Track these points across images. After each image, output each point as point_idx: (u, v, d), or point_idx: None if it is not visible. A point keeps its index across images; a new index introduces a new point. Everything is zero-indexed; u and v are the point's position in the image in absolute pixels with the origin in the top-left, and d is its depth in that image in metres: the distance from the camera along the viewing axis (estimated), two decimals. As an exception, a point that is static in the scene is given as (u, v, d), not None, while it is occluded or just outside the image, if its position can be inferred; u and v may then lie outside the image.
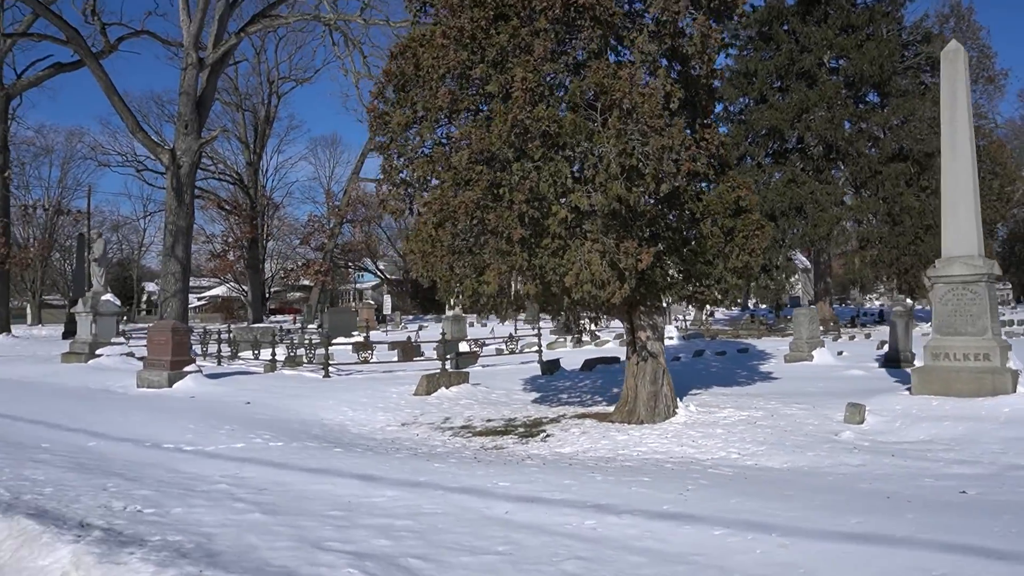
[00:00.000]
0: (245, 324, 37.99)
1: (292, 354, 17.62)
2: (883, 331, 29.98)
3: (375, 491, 5.40)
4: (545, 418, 10.16)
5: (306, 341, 20.30)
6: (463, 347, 19.97)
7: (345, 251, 50.47)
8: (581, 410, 10.78)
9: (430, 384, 12.53)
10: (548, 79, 8.11)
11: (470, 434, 9.55)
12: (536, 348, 19.55)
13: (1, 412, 10.04)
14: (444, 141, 8.62)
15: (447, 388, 12.74)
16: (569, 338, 28.19)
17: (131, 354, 19.78)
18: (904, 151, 30.27)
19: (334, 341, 22.11)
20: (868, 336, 27.29)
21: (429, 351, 20.16)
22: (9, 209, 28.91)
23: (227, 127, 39.52)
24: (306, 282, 63.74)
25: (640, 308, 9.78)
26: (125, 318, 46.84)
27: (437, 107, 8.23)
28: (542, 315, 34.64)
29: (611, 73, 7.99)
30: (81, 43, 26.75)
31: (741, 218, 9.89)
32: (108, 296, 20.16)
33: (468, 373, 13.29)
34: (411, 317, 49.97)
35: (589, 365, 16.56)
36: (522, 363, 18.96)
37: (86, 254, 36.28)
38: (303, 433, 9.21)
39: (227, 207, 43.49)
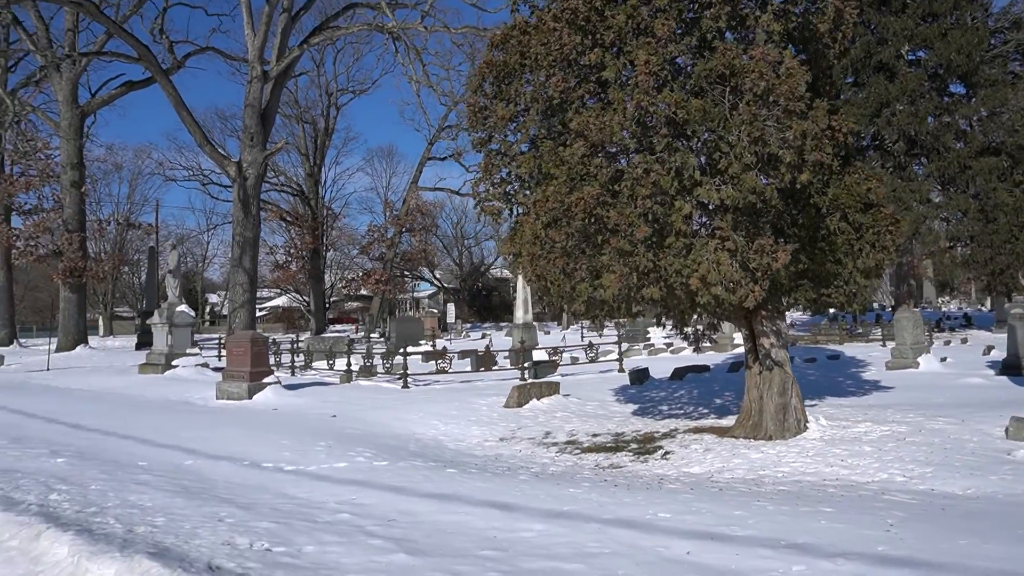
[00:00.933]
0: (308, 334, 38.16)
1: (368, 363, 17.20)
2: (978, 335, 28.08)
3: (519, 524, 4.72)
4: (656, 432, 9.36)
5: (377, 351, 19.93)
6: (539, 355, 19.25)
7: (403, 260, 50.48)
8: (691, 423, 9.94)
9: (521, 396, 11.85)
10: (671, 62, 7.36)
11: (578, 450, 8.82)
12: (616, 356, 18.71)
13: (90, 426, 9.78)
14: (552, 135, 7.95)
15: (538, 400, 12.04)
16: (642, 345, 27.27)
17: (206, 365, 19.75)
18: (995, 144, 28.42)
19: (402, 351, 21.77)
20: (964, 341, 25.49)
21: (501, 360, 19.59)
22: (85, 224, 29.55)
23: (287, 140, 39.91)
24: (363, 292, 64.31)
25: (762, 312, 8.90)
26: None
27: (547, 97, 7.57)
28: (610, 320, 33.76)
29: (740, 53, 7.21)
30: (152, 60, 27.19)
31: (871, 213, 8.94)
32: (183, 307, 20.19)
33: (558, 383, 12.58)
34: (470, 325, 49.61)
35: (679, 374, 15.65)
36: (601, 372, 18.16)
37: (157, 266, 37.10)
38: (400, 449, 8.63)
39: (288, 218, 43.91)
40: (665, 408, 11.75)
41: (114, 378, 18.89)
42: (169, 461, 7.30)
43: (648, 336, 32.02)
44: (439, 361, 16.77)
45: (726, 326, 26.53)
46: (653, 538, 4.32)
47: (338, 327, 56.54)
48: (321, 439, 8.91)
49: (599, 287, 7.44)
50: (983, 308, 48.58)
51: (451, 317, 35.64)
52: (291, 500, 5.59)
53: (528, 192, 8.34)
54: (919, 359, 16.84)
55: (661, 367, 18.64)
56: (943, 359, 18.17)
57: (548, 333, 40.06)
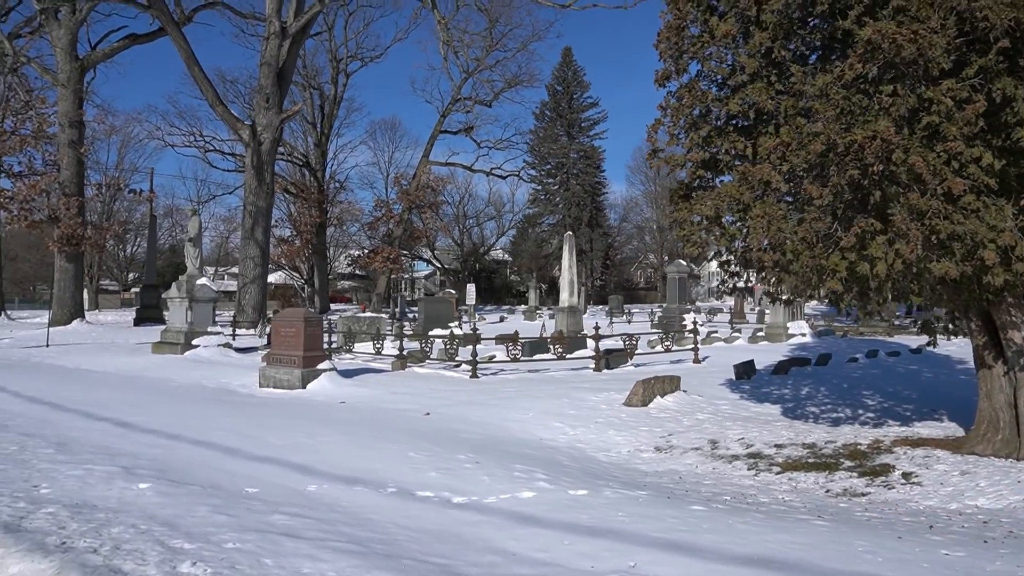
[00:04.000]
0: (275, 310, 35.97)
1: (426, 348, 15.22)
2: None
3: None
4: (858, 445, 7.54)
5: (406, 334, 17.95)
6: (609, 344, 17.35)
7: (409, 238, 48.26)
8: (882, 432, 8.14)
9: (646, 392, 9.97)
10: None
11: (775, 467, 6.97)
12: (692, 346, 16.89)
13: (139, 423, 7.76)
14: (797, 56, 6.00)
15: (662, 397, 10.18)
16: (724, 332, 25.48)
17: (228, 345, 17.66)
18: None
19: (430, 333, 19.80)
20: None
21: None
22: (83, 188, 27.09)
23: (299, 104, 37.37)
24: (356, 271, 62.00)
25: (1008, 299, 7.06)
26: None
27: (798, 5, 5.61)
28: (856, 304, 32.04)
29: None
30: (163, 8, 24.69)
31: None
32: (204, 280, 18.05)
33: (679, 379, 10.72)
34: (478, 307, 47.57)
35: (783, 368, 13.87)
36: (673, 363, 16.34)
37: (156, 236, 34.63)
38: (558, 465, 6.72)
39: (292, 190, 41.45)
40: (813, 410, 9.95)
41: (127, 358, 16.76)
42: (285, 486, 5.33)
43: (684, 322, 30.32)
44: (510, 347, 14.82)
45: (779, 314, 24.88)
46: None
47: (334, 306, 54.38)
48: (446, 447, 6.98)
49: (867, 260, 5.53)
50: None
51: (470, 299, 33.68)
52: (531, 566, 3.68)
53: (743, 138, 6.40)
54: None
55: (733, 357, 16.89)
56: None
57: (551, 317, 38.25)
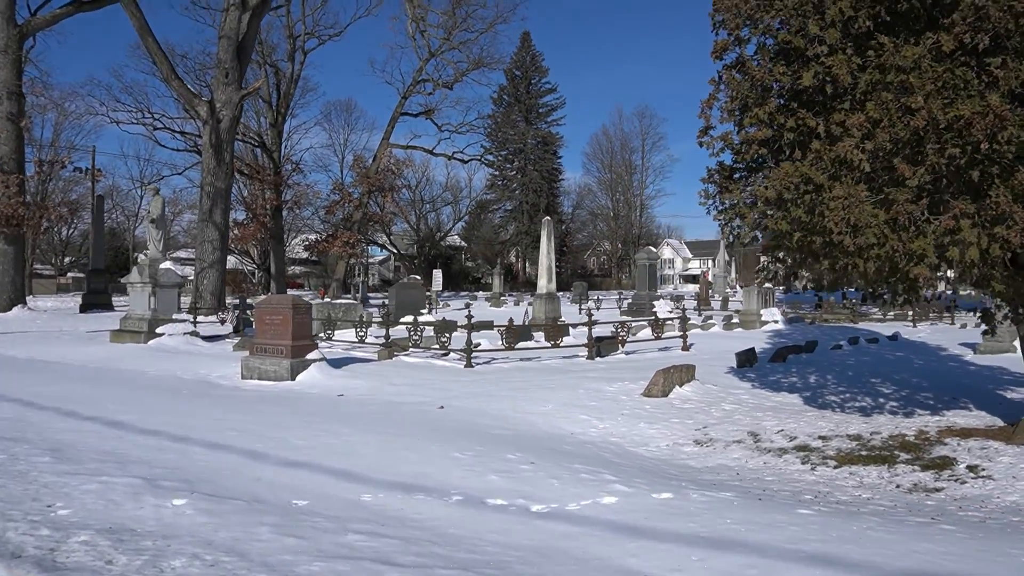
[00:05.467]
0: (240, 296, 34.56)
1: (416, 336, 14.55)
2: (969, 318, 27.55)
3: None
4: (904, 436, 7.30)
5: (376, 321, 17.25)
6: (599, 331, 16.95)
7: (365, 222, 46.95)
8: (928, 422, 7.95)
9: (666, 382, 9.59)
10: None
11: (830, 461, 6.66)
12: (680, 334, 16.66)
13: (131, 422, 6.95)
14: (881, 25, 5.59)
15: (680, 387, 9.82)
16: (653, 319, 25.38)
17: (195, 333, 16.61)
18: None
19: (401, 320, 19.10)
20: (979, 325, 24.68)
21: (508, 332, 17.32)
22: (24, 164, 25.18)
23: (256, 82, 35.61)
24: (311, 256, 60.21)
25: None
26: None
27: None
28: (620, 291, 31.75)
29: None
30: (112, -29, 23.03)
31: None
32: (168, 264, 16.88)
33: (694, 368, 10.39)
34: (440, 294, 46.73)
35: (781, 355, 13.75)
36: (661, 350, 16.11)
37: (103, 218, 32.66)
38: (602, 461, 6.25)
39: (247, 171, 39.72)
40: (833, 399, 9.76)
41: (84, 347, 15.55)
42: (336, 496, 4.71)
43: (654, 309, 30.28)
44: (507, 337, 14.28)
45: (753, 301, 25.00)
46: None
47: (289, 292, 52.73)
48: (487, 445, 6.42)
49: (958, 244, 5.19)
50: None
51: (437, 285, 32.86)
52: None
53: (812, 115, 5.98)
54: (1015, 343, 15.54)
55: (724, 345, 16.78)
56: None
57: (532, 304, 37.85)
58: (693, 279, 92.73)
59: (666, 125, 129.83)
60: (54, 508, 4.04)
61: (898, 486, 5.95)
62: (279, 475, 5.17)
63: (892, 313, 29.64)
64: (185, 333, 16.30)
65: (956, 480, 5.99)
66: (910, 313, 29.26)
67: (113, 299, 29.07)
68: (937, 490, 5.81)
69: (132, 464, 5.20)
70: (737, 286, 60.27)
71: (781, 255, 7.39)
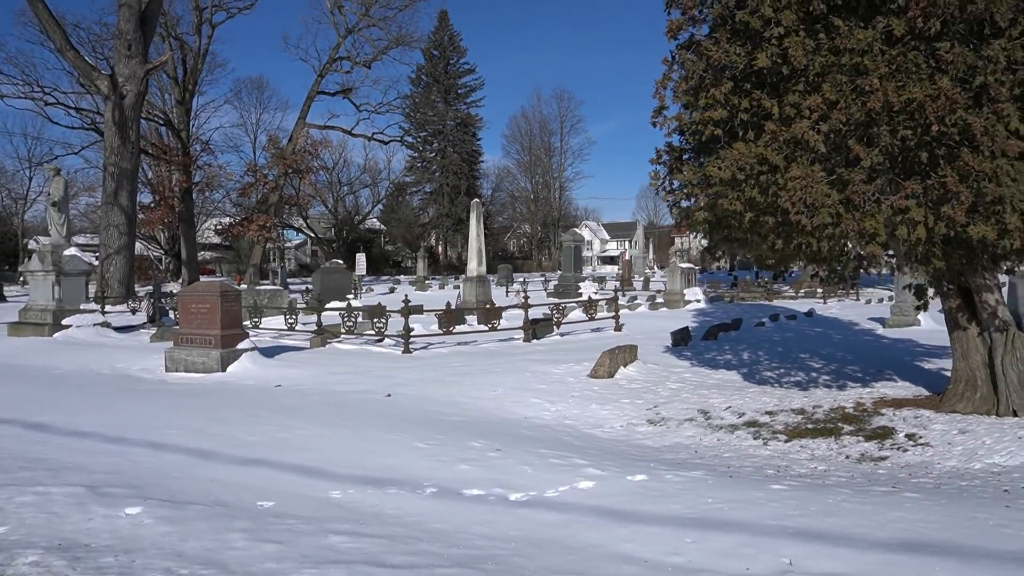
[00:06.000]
0: (177, 285, 32.75)
1: (351, 323, 14.10)
2: (874, 293, 29.38)
3: None
4: (844, 408, 7.63)
5: (301, 307, 16.69)
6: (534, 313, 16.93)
7: (282, 205, 45.24)
8: (860, 394, 8.33)
9: (612, 363, 9.66)
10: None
11: (782, 436, 6.87)
12: (612, 314, 16.88)
13: (53, 424, 6.39)
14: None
15: (624, 367, 9.93)
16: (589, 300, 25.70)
17: (107, 324, 15.54)
18: None
19: (328, 306, 18.56)
20: (891, 299, 26.35)
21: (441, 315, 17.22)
22: None
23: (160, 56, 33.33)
24: (224, 241, 57.61)
25: (983, 264, 7.32)
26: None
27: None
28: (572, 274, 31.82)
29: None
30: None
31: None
32: (73, 250, 15.66)
33: (636, 348, 10.52)
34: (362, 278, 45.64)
35: (712, 333, 14.15)
36: (594, 331, 16.31)
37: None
38: (564, 444, 6.21)
39: (152, 151, 37.36)
40: (769, 375, 10.11)
41: (-22, 342, 14.26)
42: (303, 495, 4.44)
43: (580, 291, 30.66)
44: (444, 323, 14.04)
45: (677, 281, 25.68)
46: None
47: (202, 279, 50.24)
48: (446, 433, 6.26)
49: (907, 223, 5.40)
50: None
51: (360, 269, 32.07)
52: (685, 574, 3.16)
53: (765, 96, 6.07)
54: (919, 316, 16.62)
55: (651, 325, 17.15)
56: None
57: (458, 288, 37.62)
58: (611, 260, 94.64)
59: (584, 108, 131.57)
60: (-12, 525, 3.61)
61: (847, 456, 6.20)
62: (235, 475, 4.84)
63: (803, 291, 31.20)
64: (95, 324, 15.22)
65: (898, 448, 6.30)
66: (819, 291, 30.88)
67: (4, 288, 26.87)
68: (883, 458, 6.09)
69: (67, 471, 4.74)
70: (655, 267, 61.94)
71: (727, 234, 7.52)
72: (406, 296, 14.66)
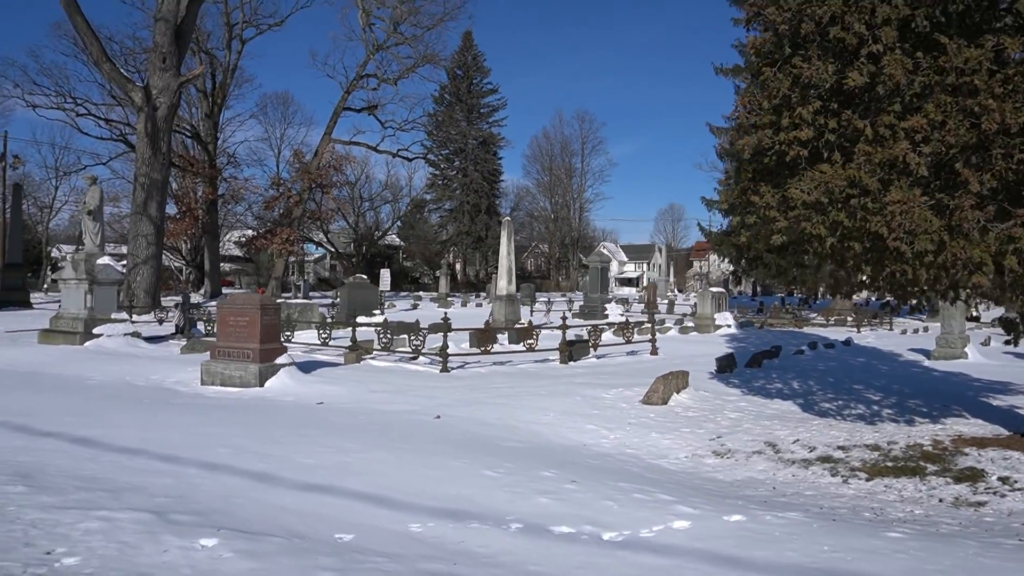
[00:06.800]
0: (200, 297, 32.71)
1: (386, 339, 13.83)
2: (906, 323, 28.74)
3: None
4: (921, 445, 7.22)
5: (330, 321, 16.43)
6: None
7: (306, 219, 45.33)
8: (933, 430, 7.91)
9: (666, 390, 9.31)
10: None
11: (861, 473, 6.47)
12: (650, 338, 16.52)
13: (97, 439, 6.12)
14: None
15: (677, 393, 9.57)
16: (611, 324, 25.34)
17: (137, 334, 15.40)
18: None
19: (360, 321, 18.33)
20: (926, 330, 25.79)
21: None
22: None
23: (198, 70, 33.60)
24: (243, 254, 57.82)
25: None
26: (47, 287, 40.13)
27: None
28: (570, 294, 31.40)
29: None
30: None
31: None
32: (106, 259, 15.55)
33: (687, 374, 10.16)
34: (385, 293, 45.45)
35: (756, 361, 13.76)
36: (630, 354, 15.96)
37: (21, 206, 30.11)
38: (635, 476, 5.86)
39: (180, 163, 37.59)
40: (827, 406, 9.70)
41: (7, 349, 14.09)
42: (381, 527, 4.13)
43: (607, 312, 30.28)
44: (483, 342, 13.75)
45: (707, 306, 25.25)
46: None
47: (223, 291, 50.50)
48: (512, 460, 5.93)
49: (1017, 253, 5.06)
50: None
51: (384, 284, 31.91)
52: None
53: (856, 116, 5.77)
54: (966, 349, 16.11)
55: (689, 350, 16.76)
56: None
57: (480, 306, 37.37)
58: (628, 282, 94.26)
59: (605, 129, 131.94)
60: (56, 555, 3.32)
61: (940, 500, 5.80)
62: (302, 502, 4.54)
63: (832, 319, 30.67)
64: (125, 334, 15.07)
65: (994, 493, 5.89)
66: (848, 319, 30.33)
67: (32, 296, 26.91)
68: (981, 503, 5.68)
69: (127, 492, 4.46)
70: (675, 290, 61.41)
71: (800, 260, 7.19)
72: (445, 314, 14.38)
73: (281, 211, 42.00)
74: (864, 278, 6.28)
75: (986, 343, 18.38)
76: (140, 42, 34.66)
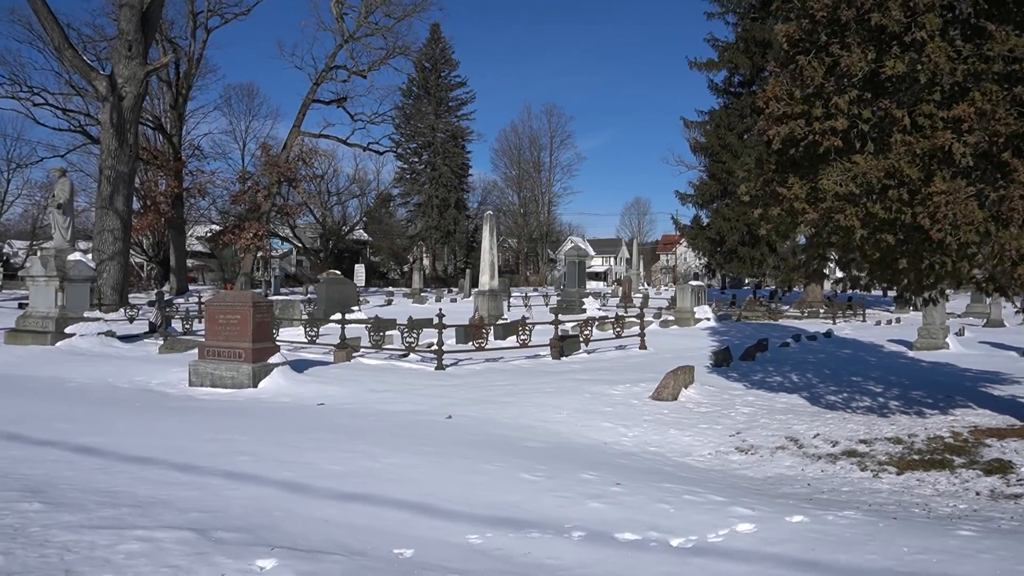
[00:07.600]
0: (157, 291, 31.67)
1: (378, 337, 13.47)
2: (877, 314, 29.34)
3: None
4: (942, 438, 7.21)
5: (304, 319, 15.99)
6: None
7: (274, 213, 44.33)
8: (948, 421, 7.92)
9: (675, 384, 9.19)
10: None
11: (890, 467, 6.42)
12: (639, 333, 16.46)
13: (102, 448, 5.73)
14: None
15: (686, 388, 9.47)
16: (590, 315, 25.27)
17: (111, 333, 14.75)
18: None
19: (332, 318, 17.91)
20: (899, 320, 26.32)
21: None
22: None
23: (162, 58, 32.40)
24: (207, 249, 56.41)
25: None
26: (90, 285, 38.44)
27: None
28: (534, 289, 31.25)
29: None
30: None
31: None
32: (78, 255, 14.85)
33: (693, 369, 10.06)
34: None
35: (750, 354, 13.75)
36: (619, 348, 15.90)
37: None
38: (667, 475, 5.70)
39: (144, 155, 36.33)
40: (833, 399, 9.70)
41: (-25, 352, 13.38)
42: (439, 540, 3.88)
43: (584, 307, 30.21)
44: (476, 338, 13.49)
45: (687, 299, 25.34)
46: None
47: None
48: (545, 463, 5.70)
49: (1064, 243, 5.01)
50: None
51: (359, 280, 31.24)
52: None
53: (894, 105, 5.67)
54: (947, 339, 16.40)
55: (687, 344, 16.68)
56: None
57: (455, 301, 37.01)
58: (596, 276, 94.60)
59: (573, 124, 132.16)
60: (101, 583, 3.00)
61: (977, 493, 5.77)
62: (345, 513, 4.26)
63: (806, 311, 31.11)
64: (99, 333, 14.40)
65: (1027, 484, 5.88)
66: (821, 311, 30.82)
67: (-11, 295, 25.73)
68: (1017, 496, 5.66)
69: (154, 508, 4.12)
70: (645, 283, 61.79)
71: (823, 252, 7.11)
72: (440, 311, 14.05)
73: (247, 206, 40.99)
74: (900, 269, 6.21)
75: (960, 333, 18.77)
76: (99, 29, 33.50)
